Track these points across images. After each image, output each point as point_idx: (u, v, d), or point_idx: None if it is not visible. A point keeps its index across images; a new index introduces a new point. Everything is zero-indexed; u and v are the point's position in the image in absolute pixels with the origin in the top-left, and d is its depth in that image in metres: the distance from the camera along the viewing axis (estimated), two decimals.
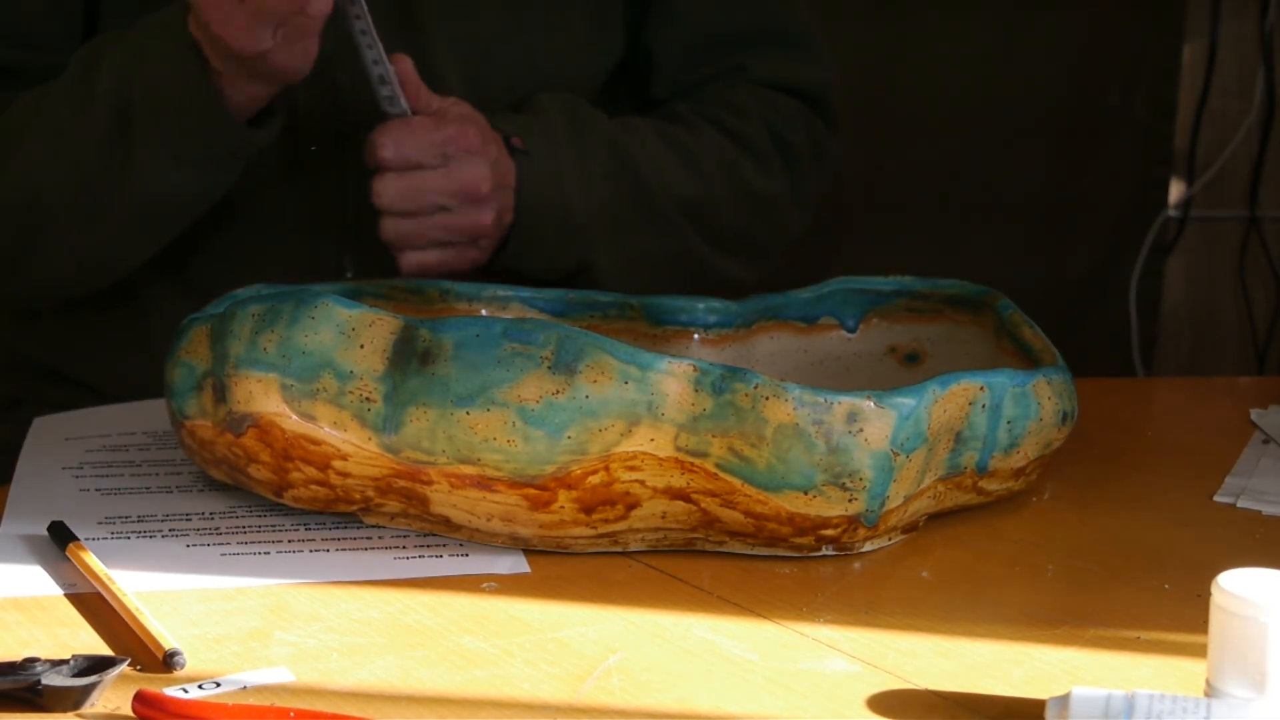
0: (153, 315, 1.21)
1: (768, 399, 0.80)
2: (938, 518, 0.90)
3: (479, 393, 0.80)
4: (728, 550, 0.85)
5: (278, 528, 0.88)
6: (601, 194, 1.20)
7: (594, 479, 0.81)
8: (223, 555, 0.84)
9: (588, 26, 1.26)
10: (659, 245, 1.25)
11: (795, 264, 1.33)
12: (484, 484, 0.81)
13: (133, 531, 0.87)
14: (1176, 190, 2.08)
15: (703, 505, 0.83)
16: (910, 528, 0.88)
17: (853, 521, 0.83)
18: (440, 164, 1.11)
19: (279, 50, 1.04)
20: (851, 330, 1.05)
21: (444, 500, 0.83)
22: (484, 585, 0.81)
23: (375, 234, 1.13)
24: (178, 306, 1.03)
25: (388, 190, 1.10)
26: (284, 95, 1.11)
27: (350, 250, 1.21)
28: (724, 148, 1.28)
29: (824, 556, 0.85)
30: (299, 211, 1.20)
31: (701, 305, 1.03)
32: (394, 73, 1.11)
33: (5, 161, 1.13)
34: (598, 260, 1.21)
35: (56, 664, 0.69)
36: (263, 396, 0.83)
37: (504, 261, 1.18)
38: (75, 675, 0.69)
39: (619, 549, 0.85)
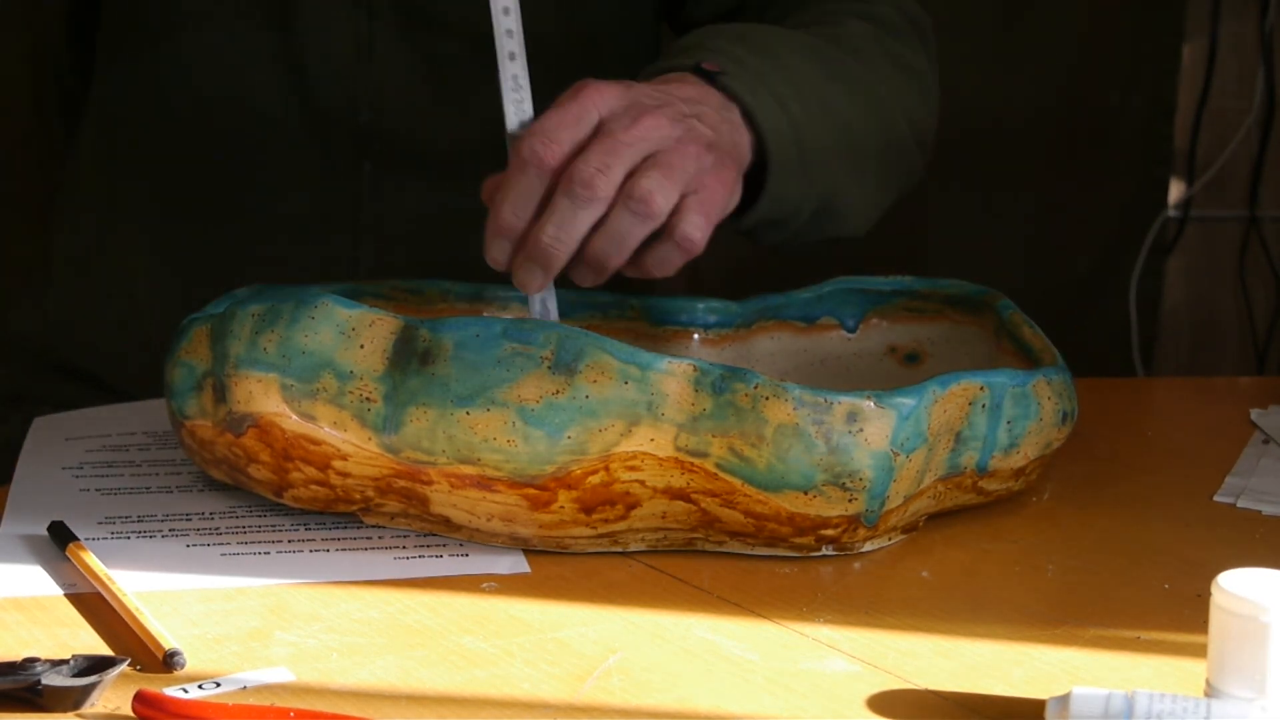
0: (159, 313, 1.21)
1: (768, 399, 0.80)
2: (938, 518, 0.90)
3: (479, 393, 0.80)
4: (728, 550, 0.85)
5: (278, 528, 0.88)
6: (823, 98, 1.06)
7: (594, 479, 0.81)
8: (223, 555, 0.84)
9: None
10: (890, 159, 1.13)
11: (795, 264, 1.33)
12: (484, 484, 0.81)
13: (133, 531, 0.87)
14: (1176, 190, 2.08)
15: (703, 505, 0.83)
16: (910, 528, 0.88)
17: (853, 521, 0.83)
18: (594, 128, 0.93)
19: None
20: (851, 330, 1.05)
21: (444, 500, 0.83)
22: (484, 585, 0.81)
23: (385, 236, 1.12)
24: (191, 308, 1.03)
25: (591, 183, 0.90)
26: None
27: (366, 252, 1.20)
28: (883, 40, 1.16)
29: (824, 556, 0.85)
30: (314, 213, 1.20)
31: (701, 305, 1.03)
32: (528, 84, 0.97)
33: None
34: (846, 192, 1.08)
35: (56, 664, 0.69)
36: (263, 396, 0.83)
37: (761, 212, 1.03)
38: (75, 675, 0.69)
39: (619, 549, 0.85)
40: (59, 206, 1.30)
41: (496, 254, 0.92)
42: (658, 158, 0.91)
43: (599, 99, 0.92)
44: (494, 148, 0.98)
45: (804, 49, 1.08)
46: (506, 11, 0.95)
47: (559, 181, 0.90)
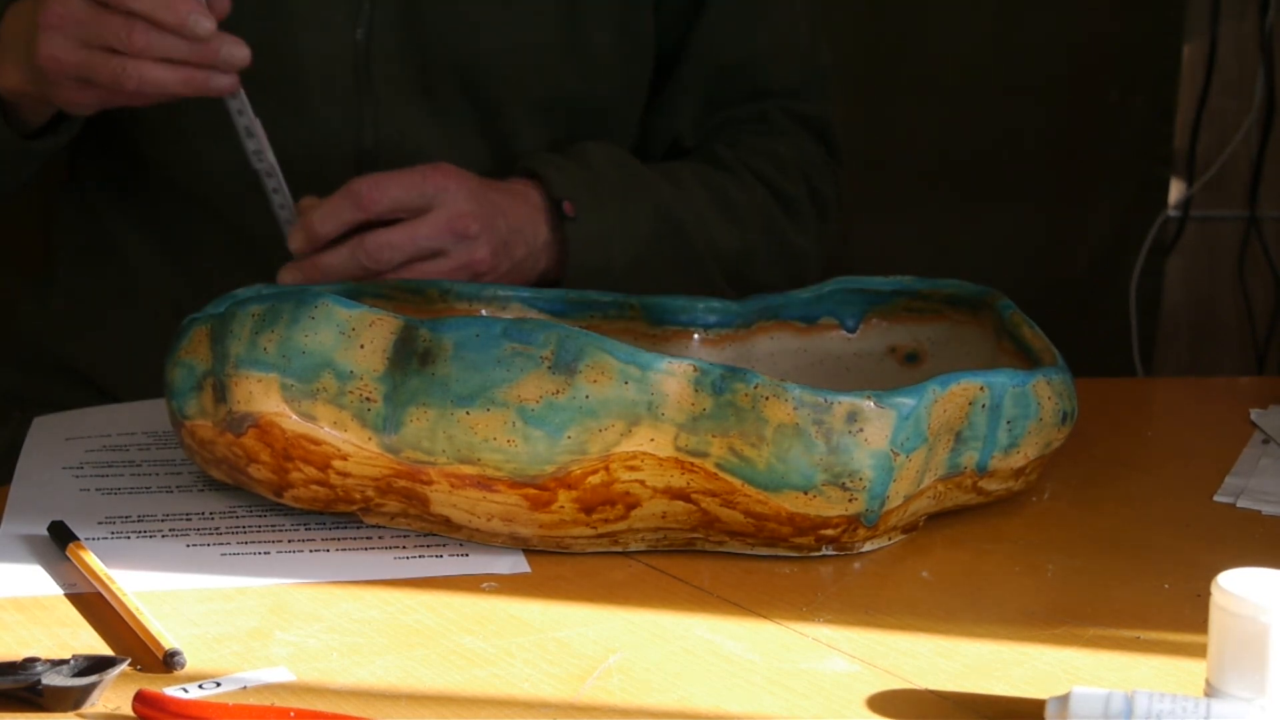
0: (163, 316, 1.21)
1: (768, 399, 0.80)
2: (938, 518, 0.90)
3: (479, 393, 0.80)
4: (728, 550, 0.85)
5: (278, 528, 0.88)
6: (645, 253, 1.20)
7: (594, 479, 0.81)
8: (223, 555, 0.84)
9: (619, 41, 1.25)
10: (687, 290, 1.25)
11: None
12: (484, 484, 0.81)
13: (133, 531, 0.87)
14: (1176, 190, 2.08)
15: (703, 505, 0.83)
16: (910, 528, 0.88)
17: (853, 521, 0.83)
18: (424, 205, 1.09)
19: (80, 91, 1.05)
20: (851, 330, 1.04)
21: (444, 500, 0.83)
22: (484, 585, 0.81)
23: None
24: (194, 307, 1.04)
25: (379, 249, 1.08)
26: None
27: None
28: (768, 204, 1.28)
29: (824, 556, 0.85)
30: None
31: (701, 305, 1.03)
32: (280, 175, 1.11)
33: None
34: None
35: (56, 664, 0.69)
36: (263, 396, 0.83)
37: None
38: (75, 675, 0.69)
39: (619, 549, 0.85)
40: (62, 206, 1.30)
41: (295, 244, 1.09)
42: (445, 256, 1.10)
43: (445, 185, 1.09)
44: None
45: (659, 194, 1.22)
46: (240, 112, 1.09)
47: (360, 234, 1.08)
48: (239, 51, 1.04)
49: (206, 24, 1.02)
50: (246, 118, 1.09)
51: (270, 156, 1.10)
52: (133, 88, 1.02)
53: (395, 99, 1.19)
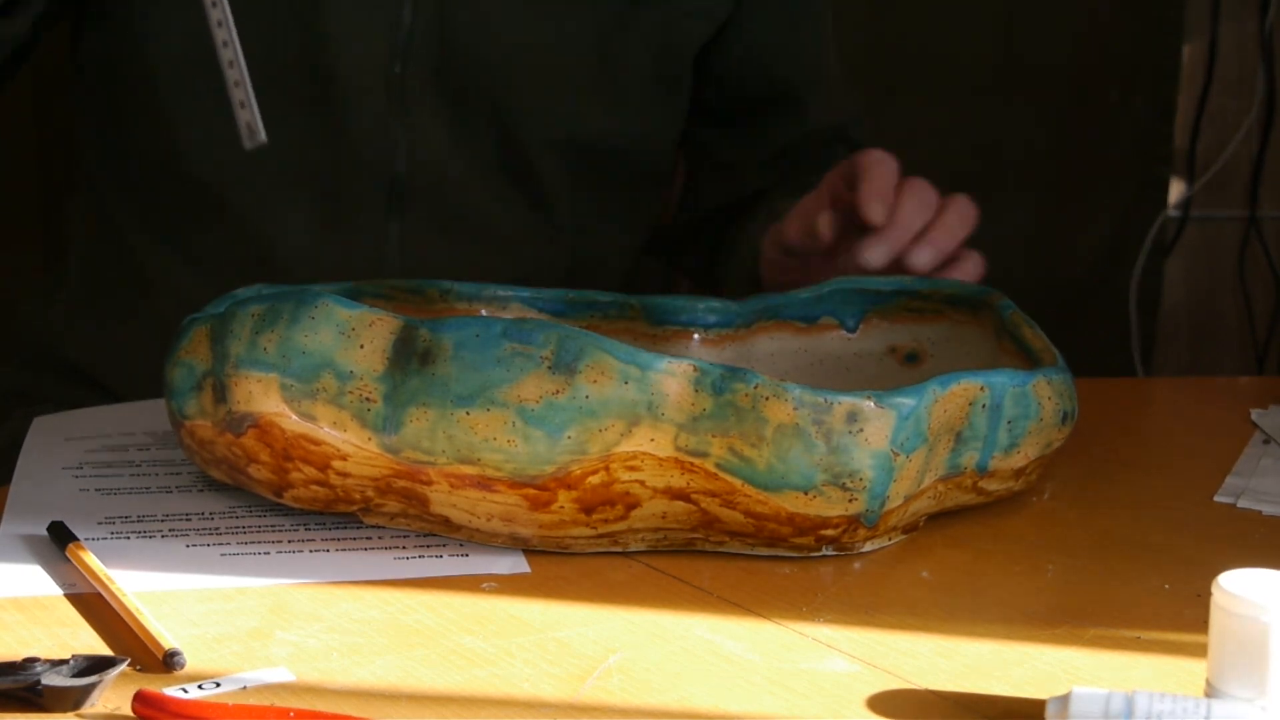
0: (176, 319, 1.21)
1: (768, 399, 0.80)
2: (938, 518, 0.90)
3: (479, 393, 0.80)
4: (728, 550, 0.85)
5: (278, 528, 0.88)
6: None
7: (594, 479, 0.81)
8: (223, 555, 0.84)
9: (654, 96, 1.27)
10: None
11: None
12: (484, 484, 0.81)
13: (133, 531, 0.87)
14: (1176, 190, 2.08)
15: (703, 505, 0.83)
16: (910, 528, 0.88)
17: (853, 521, 0.83)
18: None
19: None
20: (851, 330, 1.04)
21: (444, 500, 0.83)
22: (484, 585, 0.81)
23: (399, 240, 1.13)
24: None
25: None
26: None
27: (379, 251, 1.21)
28: None
29: (824, 556, 0.85)
30: (335, 252, 1.21)
31: (701, 305, 1.03)
32: (251, 91, 1.00)
33: None
34: None
35: (56, 664, 0.69)
36: (263, 396, 0.83)
37: None
38: (75, 675, 0.69)
39: (619, 549, 0.85)
40: (74, 208, 1.30)
41: (877, 217, 1.06)
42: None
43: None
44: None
45: None
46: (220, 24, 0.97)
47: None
48: None
49: None
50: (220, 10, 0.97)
51: (237, 49, 0.96)
52: None
53: (429, 125, 1.19)
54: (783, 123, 1.33)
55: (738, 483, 0.81)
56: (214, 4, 0.96)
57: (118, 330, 1.25)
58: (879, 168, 1.06)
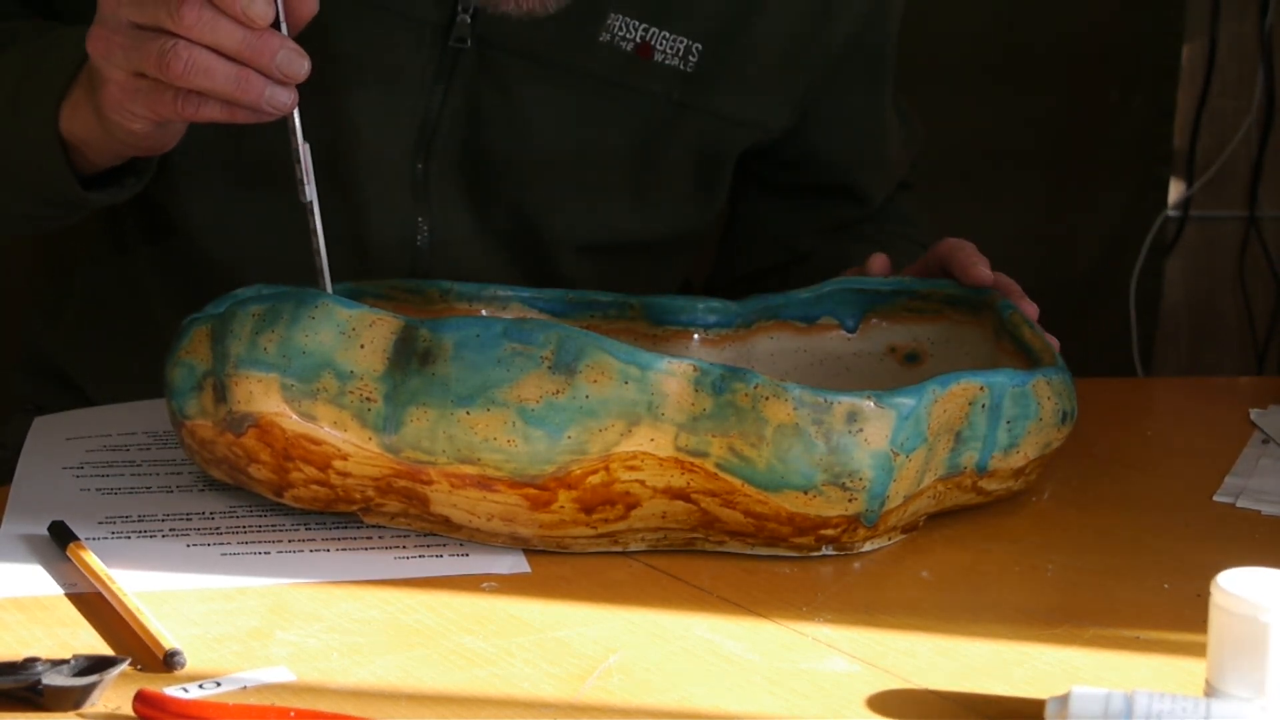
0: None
1: (767, 399, 0.80)
2: (938, 518, 0.90)
3: (479, 393, 0.80)
4: (728, 550, 0.85)
5: (278, 528, 0.88)
6: None
7: (594, 479, 0.81)
8: (223, 555, 0.84)
9: (690, 196, 1.24)
10: None
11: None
12: (484, 484, 0.81)
13: (133, 531, 0.87)
14: (1176, 190, 2.08)
15: (703, 505, 0.83)
16: (910, 528, 0.88)
17: (853, 521, 0.83)
18: None
19: (155, 133, 0.97)
20: (851, 330, 1.05)
21: (444, 500, 0.83)
22: (484, 585, 0.81)
23: (401, 244, 1.13)
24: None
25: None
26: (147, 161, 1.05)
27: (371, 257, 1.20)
28: None
29: (824, 556, 0.85)
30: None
31: (701, 305, 1.03)
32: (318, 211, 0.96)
33: None
34: None
35: (57, 664, 0.69)
36: (263, 396, 0.83)
37: None
38: (75, 675, 0.69)
39: (619, 549, 0.85)
40: (89, 239, 1.28)
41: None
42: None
43: None
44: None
45: None
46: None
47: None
48: (298, 61, 0.90)
49: (262, 6, 0.89)
50: (296, 141, 0.94)
51: (312, 191, 0.95)
52: (180, 71, 0.89)
53: (451, 217, 1.16)
54: (845, 205, 1.31)
55: (738, 482, 0.81)
56: (298, 160, 0.94)
57: (118, 367, 1.24)
58: (967, 247, 1.06)
